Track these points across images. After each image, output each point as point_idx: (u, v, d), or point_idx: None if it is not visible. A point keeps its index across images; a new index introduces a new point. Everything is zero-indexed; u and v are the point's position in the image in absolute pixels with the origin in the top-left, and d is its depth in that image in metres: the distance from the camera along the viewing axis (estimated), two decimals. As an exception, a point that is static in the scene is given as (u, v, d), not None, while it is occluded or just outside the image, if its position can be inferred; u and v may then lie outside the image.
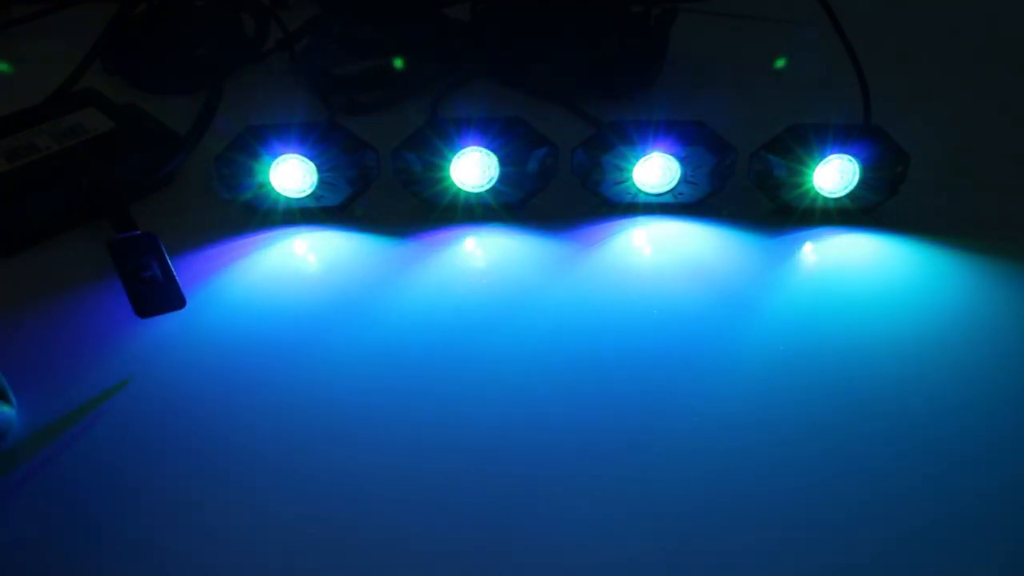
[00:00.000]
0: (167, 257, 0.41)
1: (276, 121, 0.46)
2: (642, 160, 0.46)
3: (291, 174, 0.46)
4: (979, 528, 0.34)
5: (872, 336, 0.41)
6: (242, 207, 0.46)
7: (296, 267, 0.45)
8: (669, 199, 0.47)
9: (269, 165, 0.45)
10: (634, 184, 0.47)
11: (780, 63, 0.60)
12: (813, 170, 0.46)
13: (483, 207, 0.47)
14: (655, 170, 0.47)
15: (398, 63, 0.58)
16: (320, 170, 0.46)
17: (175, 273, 0.41)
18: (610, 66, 0.56)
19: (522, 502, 0.34)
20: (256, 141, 0.45)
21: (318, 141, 0.45)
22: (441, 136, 0.45)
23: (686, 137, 0.45)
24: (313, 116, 0.48)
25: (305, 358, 0.40)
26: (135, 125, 0.49)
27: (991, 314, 0.42)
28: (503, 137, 0.45)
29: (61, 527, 0.33)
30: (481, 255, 0.46)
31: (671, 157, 0.46)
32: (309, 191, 0.46)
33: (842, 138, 0.45)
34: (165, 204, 0.48)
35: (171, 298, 0.40)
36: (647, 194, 0.47)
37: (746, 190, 0.48)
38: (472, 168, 0.46)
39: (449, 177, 0.46)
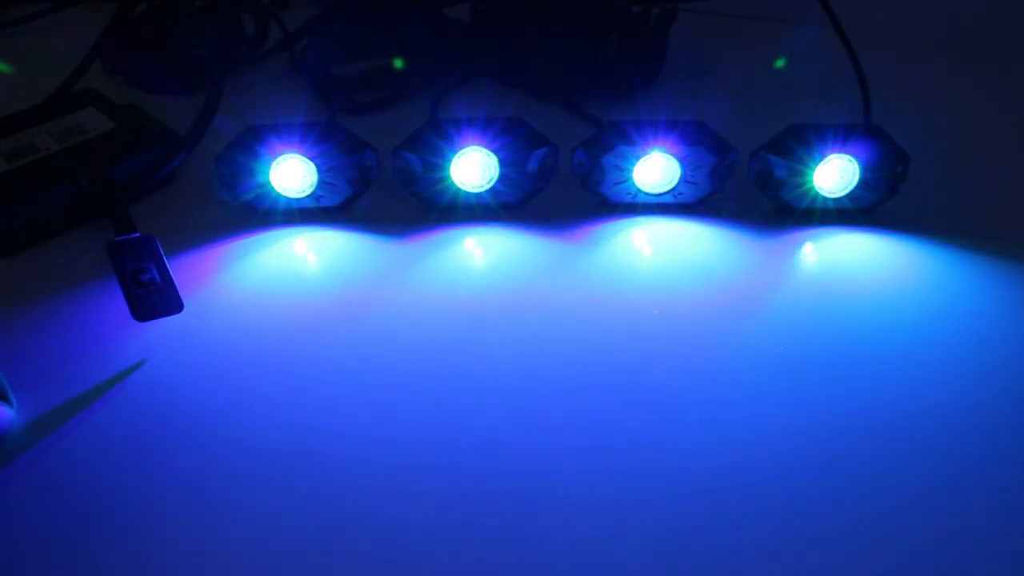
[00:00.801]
0: (165, 260, 0.41)
1: (276, 121, 0.46)
2: (642, 160, 0.46)
3: (291, 174, 0.46)
4: (978, 528, 0.34)
5: (872, 336, 0.41)
6: (242, 207, 0.46)
7: (296, 267, 0.45)
8: (669, 199, 0.47)
9: (269, 165, 0.45)
10: (634, 184, 0.47)
11: (780, 63, 0.60)
12: (813, 170, 0.46)
13: (483, 207, 0.48)
14: (655, 170, 0.47)
15: (398, 63, 0.58)
16: (320, 170, 0.46)
17: (173, 276, 0.41)
18: (610, 66, 0.56)
19: (522, 501, 0.34)
20: (256, 141, 0.45)
21: (318, 141, 0.45)
22: (441, 136, 0.45)
23: (686, 137, 0.45)
24: (313, 116, 0.48)
25: (305, 358, 0.40)
26: (135, 125, 0.49)
27: (991, 314, 0.42)
28: (503, 137, 0.45)
29: (61, 527, 0.33)
30: (481, 255, 0.46)
31: (671, 157, 0.46)
32: (309, 191, 0.46)
33: (842, 138, 0.45)
34: (165, 204, 0.48)
35: (169, 302, 0.40)
36: (647, 194, 0.47)
37: (746, 190, 0.48)
38: (472, 168, 0.46)
39: (449, 177, 0.46)
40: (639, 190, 0.47)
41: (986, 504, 0.34)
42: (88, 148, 0.47)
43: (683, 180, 0.47)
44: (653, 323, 0.42)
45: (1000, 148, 0.54)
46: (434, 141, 0.45)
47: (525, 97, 0.57)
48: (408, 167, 0.46)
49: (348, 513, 0.34)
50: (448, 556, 0.33)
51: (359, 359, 0.40)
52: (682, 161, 0.46)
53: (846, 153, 0.45)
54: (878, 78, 0.51)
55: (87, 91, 0.52)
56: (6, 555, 0.32)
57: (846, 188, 0.46)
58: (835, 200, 0.47)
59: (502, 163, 0.46)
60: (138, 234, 0.43)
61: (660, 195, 0.47)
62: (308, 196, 0.46)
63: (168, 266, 0.41)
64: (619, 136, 0.46)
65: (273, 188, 0.46)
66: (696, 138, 0.46)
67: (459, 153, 0.46)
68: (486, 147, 0.46)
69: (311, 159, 0.45)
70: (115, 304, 0.41)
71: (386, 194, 0.48)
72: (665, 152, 0.46)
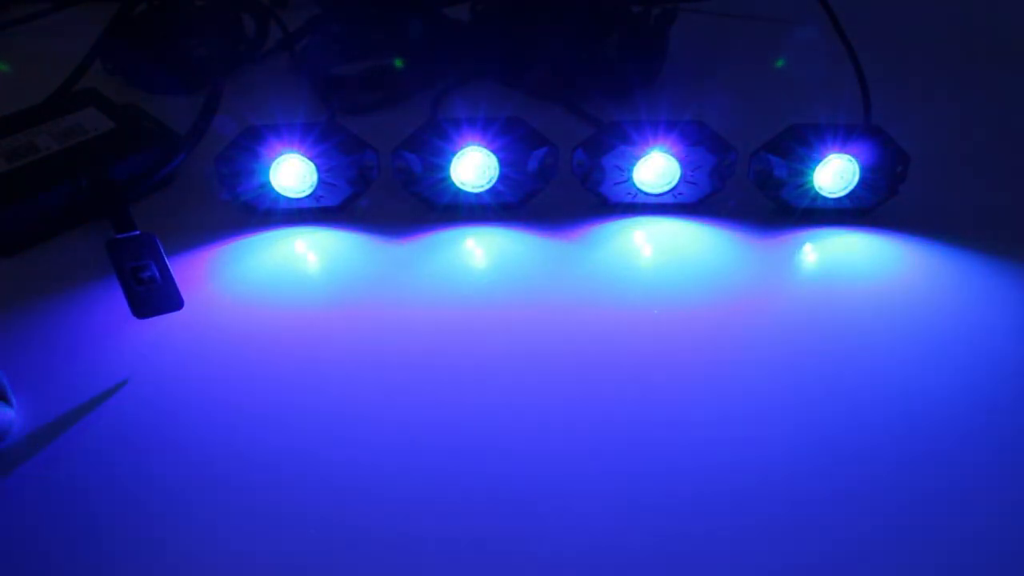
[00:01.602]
0: (165, 258, 0.41)
1: (276, 121, 0.46)
2: (642, 160, 0.46)
3: (291, 174, 0.46)
4: (979, 528, 0.34)
5: (871, 336, 0.41)
6: (242, 207, 0.46)
7: (296, 267, 0.45)
8: (669, 199, 0.47)
9: (269, 165, 0.45)
10: (634, 184, 0.47)
11: (780, 63, 0.60)
12: (813, 170, 0.46)
13: (483, 207, 0.47)
14: (655, 170, 0.47)
15: (398, 63, 0.58)
16: (320, 170, 0.46)
17: (173, 274, 0.41)
18: (610, 66, 0.56)
19: (522, 500, 0.34)
20: (256, 141, 0.45)
21: (318, 141, 0.45)
22: (441, 136, 0.45)
23: (686, 137, 0.45)
24: (313, 116, 0.48)
25: (304, 358, 0.40)
26: (135, 125, 0.49)
27: (991, 314, 0.42)
28: (503, 137, 0.45)
29: (61, 527, 0.33)
30: (481, 255, 0.46)
31: (671, 157, 0.46)
32: (309, 191, 0.46)
33: (842, 138, 0.45)
34: (165, 204, 0.48)
35: (169, 299, 0.40)
36: (647, 194, 0.47)
37: (746, 190, 0.48)
38: (472, 168, 0.46)
39: (449, 177, 0.46)
40: (639, 190, 0.47)
41: (986, 505, 0.34)
42: (88, 148, 0.47)
43: (683, 180, 0.47)
44: (653, 323, 0.42)
45: (1000, 148, 0.54)
46: (434, 141, 0.45)
47: (525, 97, 0.57)
48: (408, 167, 0.46)
49: (348, 512, 0.34)
50: (449, 555, 0.33)
51: (359, 358, 0.40)
52: (682, 161, 0.46)
53: (846, 153, 0.45)
54: (878, 78, 0.51)
55: (87, 91, 0.52)
56: (6, 555, 0.32)
57: (846, 188, 0.46)
58: (835, 200, 0.47)
59: (502, 163, 0.46)
60: (138, 232, 0.43)
61: (660, 195, 0.47)
62: (308, 196, 0.46)
63: (168, 263, 0.41)
64: (619, 136, 0.46)
65: (273, 188, 0.46)
66: (696, 138, 0.46)
67: (459, 153, 0.46)
68: (486, 147, 0.46)
69: (311, 159, 0.45)
70: (115, 303, 0.41)
71: (386, 194, 0.48)
72: (665, 152, 0.46)
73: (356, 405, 0.38)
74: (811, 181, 0.46)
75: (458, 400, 0.38)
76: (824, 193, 0.47)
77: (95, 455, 0.35)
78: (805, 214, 0.47)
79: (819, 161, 0.46)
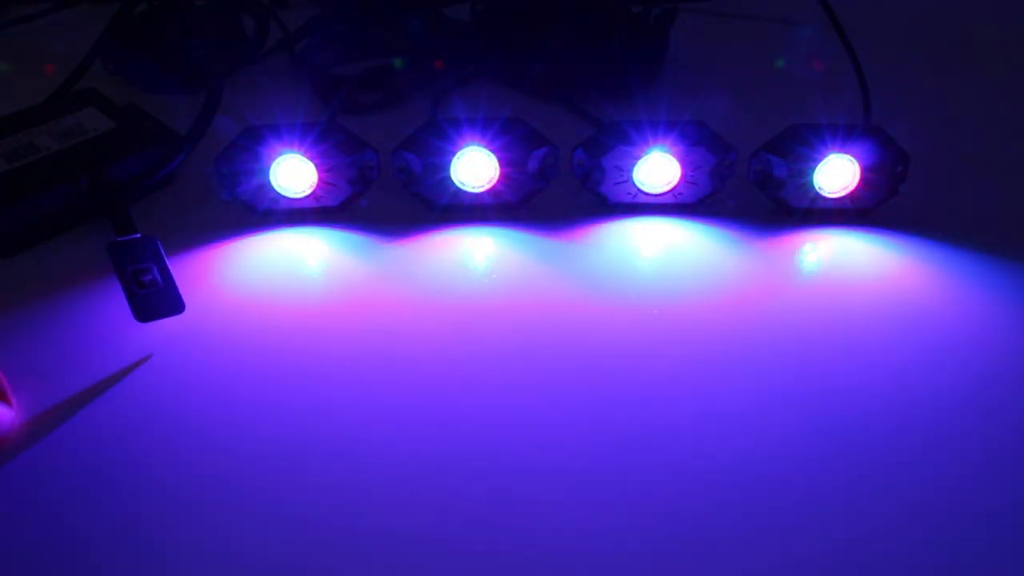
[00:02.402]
0: (166, 260, 0.41)
1: (276, 121, 0.46)
2: (642, 160, 0.46)
3: (291, 174, 0.46)
4: (978, 529, 0.34)
5: (871, 336, 0.41)
6: (242, 207, 0.46)
7: (296, 267, 0.45)
8: (669, 199, 0.47)
9: (269, 165, 0.45)
10: (634, 184, 0.47)
11: (780, 63, 0.60)
12: (813, 170, 0.46)
13: (483, 207, 0.48)
14: (655, 170, 0.47)
15: (398, 63, 0.58)
16: (320, 170, 0.46)
17: (174, 276, 0.41)
18: (610, 66, 0.56)
19: (522, 501, 0.34)
20: (256, 141, 0.45)
21: (318, 141, 0.45)
22: (441, 136, 0.45)
23: (686, 137, 0.45)
24: (313, 116, 0.48)
25: (305, 358, 0.40)
26: (135, 125, 0.49)
27: (991, 314, 0.42)
28: (503, 137, 0.45)
29: (61, 527, 0.33)
30: (481, 255, 0.46)
31: (671, 157, 0.46)
32: (309, 191, 0.46)
33: (842, 138, 0.45)
34: (165, 204, 0.48)
35: (170, 303, 0.40)
36: (647, 194, 0.47)
37: (746, 190, 0.48)
38: (472, 168, 0.46)
39: (449, 177, 0.46)
40: (639, 190, 0.47)
41: (987, 506, 0.34)
42: (88, 148, 0.47)
43: (683, 180, 0.47)
44: (653, 323, 0.42)
45: (1000, 148, 0.54)
46: (434, 141, 0.45)
47: (525, 97, 0.57)
48: (408, 167, 0.46)
49: (349, 512, 0.34)
50: (449, 555, 0.33)
51: (359, 359, 0.40)
52: (682, 161, 0.46)
53: (846, 153, 0.45)
54: (878, 78, 0.51)
55: (87, 91, 0.52)
56: (6, 555, 0.32)
57: (846, 188, 0.46)
58: (835, 200, 0.47)
59: (502, 163, 0.46)
60: (139, 235, 0.43)
61: (660, 195, 0.47)
62: (308, 196, 0.46)
63: (169, 267, 0.41)
64: (619, 136, 0.46)
65: (273, 188, 0.46)
66: (696, 138, 0.46)
67: (459, 153, 0.46)
68: (486, 147, 0.46)
69: (311, 159, 0.45)
70: (115, 304, 0.41)
71: (386, 194, 0.48)
72: (665, 152, 0.46)
73: (356, 405, 0.38)
74: (811, 181, 0.46)
75: (458, 400, 0.38)
76: (824, 193, 0.47)
77: (95, 455, 0.35)
78: (805, 214, 0.47)
79: (819, 161, 0.46)
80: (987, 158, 0.53)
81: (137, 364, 0.39)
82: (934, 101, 0.58)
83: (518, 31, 0.58)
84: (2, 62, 0.59)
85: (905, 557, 0.33)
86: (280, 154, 0.45)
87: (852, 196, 0.46)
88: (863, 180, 0.46)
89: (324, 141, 0.45)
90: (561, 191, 0.48)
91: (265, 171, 0.45)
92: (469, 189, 0.47)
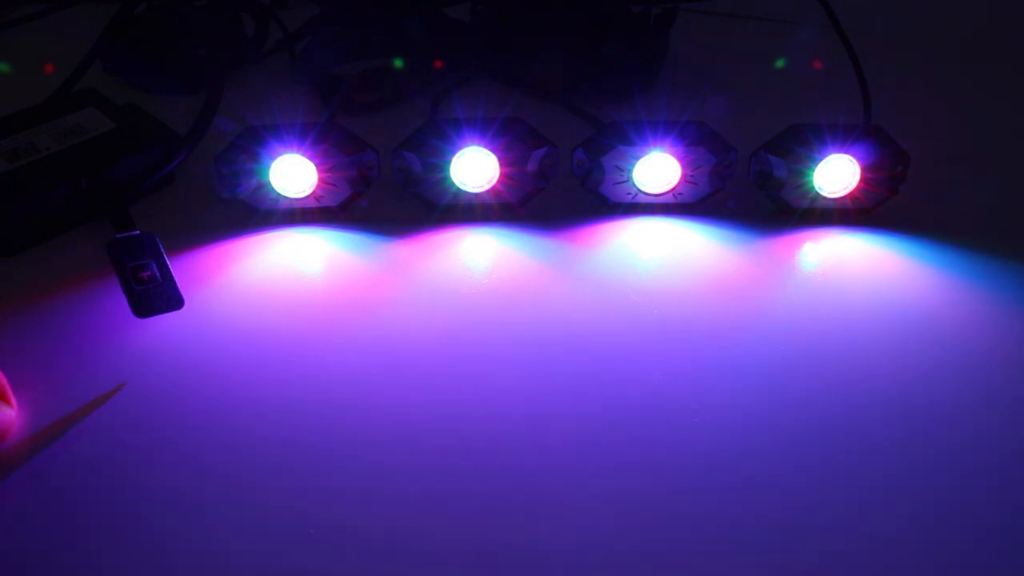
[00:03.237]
0: (165, 257, 0.41)
1: (276, 121, 0.46)
2: (642, 160, 0.46)
3: (291, 174, 0.46)
4: (979, 529, 0.34)
5: (872, 336, 0.41)
6: (242, 207, 0.46)
7: (296, 267, 0.45)
8: (669, 199, 0.47)
9: (269, 165, 0.45)
10: (634, 184, 0.47)
11: (780, 63, 0.60)
12: (813, 170, 0.46)
13: (483, 207, 0.48)
14: (655, 170, 0.47)
15: (398, 63, 0.58)
16: (320, 170, 0.46)
17: (173, 273, 0.41)
18: (610, 66, 0.56)
19: (521, 501, 0.34)
20: (256, 141, 0.45)
21: (317, 141, 0.45)
22: (441, 136, 0.45)
23: (686, 137, 0.45)
24: (313, 116, 0.48)
25: (305, 358, 0.40)
26: (135, 125, 0.49)
27: (991, 314, 0.42)
28: (503, 137, 0.45)
29: (61, 528, 0.33)
30: (481, 255, 0.46)
31: (671, 157, 0.46)
32: (309, 191, 0.46)
33: (842, 138, 0.45)
34: (165, 204, 0.48)
35: (170, 298, 0.40)
36: (647, 194, 0.47)
37: (746, 190, 0.48)
38: (472, 168, 0.46)
39: (449, 177, 0.46)
40: (639, 190, 0.47)
41: (987, 506, 0.34)
42: (88, 148, 0.47)
43: (683, 180, 0.47)
44: (653, 323, 0.42)
45: (1000, 148, 0.54)
46: (434, 141, 0.45)
47: (525, 97, 0.57)
48: (408, 167, 0.46)
49: (348, 512, 0.34)
50: (448, 556, 0.33)
51: (359, 359, 0.40)
52: (682, 161, 0.46)
53: (846, 153, 0.45)
54: (878, 78, 0.51)
55: (87, 91, 0.52)
56: (6, 556, 0.32)
57: (846, 188, 0.46)
58: (835, 200, 0.47)
59: (502, 163, 0.46)
60: (138, 232, 0.43)
61: (660, 195, 0.47)
62: (308, 196, 0.46)
63: (168, 263, 0.41)
64: (619, 136, 0.46)
65: (273, 188, 0.46)
66: (696, 138, 0.46)
67: (459, 153, 0.46)
68: (486, 147, 0.46)
69: (311, 159, 0.45)
70: (115, 303, 0.41)
71: (386, 194, 0.48)
72: (665, 152, 0.46)
73: (356, 405, 0.38)
74: (811, 181, 0.46)
75: (458, 400, 0.38)
76: (824, 193, 0.47)
77: (95, 455, 0.35)
78: (805, 214, 0.47)
79: (819, 161, 0.46)
80: (987, 158, 0.53)
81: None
82: (934, 101, 0.58)
83: (518, 31, 0.58)
84: (2, 62, 0.59)
85: (905, 557, 0.33)
86: (280, 154, 0.45)
87: (852, 196, 0.46)
88: (863, 180, 0.46)
89: (324, 141, 0.45)
90: (561, 191, 0.48)
91: (265, 171, 0.45)
92: (469, 189, 0.47)
